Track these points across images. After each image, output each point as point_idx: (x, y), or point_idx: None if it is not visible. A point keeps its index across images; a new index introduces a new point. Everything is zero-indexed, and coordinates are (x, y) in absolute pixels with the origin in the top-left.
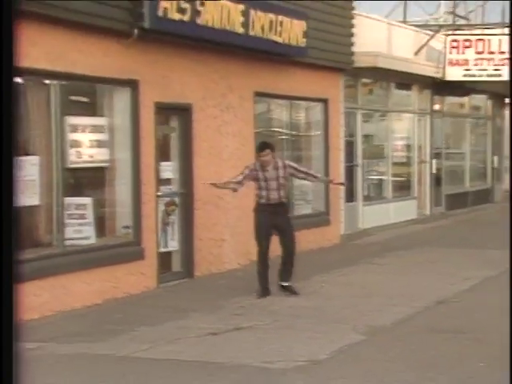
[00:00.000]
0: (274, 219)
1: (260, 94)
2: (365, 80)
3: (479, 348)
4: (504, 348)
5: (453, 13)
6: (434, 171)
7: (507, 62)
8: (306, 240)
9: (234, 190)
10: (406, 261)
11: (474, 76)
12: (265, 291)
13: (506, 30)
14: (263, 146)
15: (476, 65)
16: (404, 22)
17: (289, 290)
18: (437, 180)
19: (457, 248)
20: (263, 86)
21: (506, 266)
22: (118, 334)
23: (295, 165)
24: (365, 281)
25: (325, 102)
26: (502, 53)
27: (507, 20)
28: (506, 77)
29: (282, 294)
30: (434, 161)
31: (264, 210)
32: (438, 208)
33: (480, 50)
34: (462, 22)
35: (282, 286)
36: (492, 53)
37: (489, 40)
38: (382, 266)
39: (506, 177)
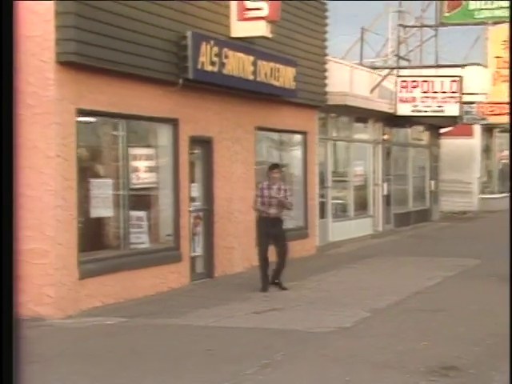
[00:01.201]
0: (271, 230)
1: (259, 128)
2: (332, 115)
3: (455, 320)
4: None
5: (397, 55)
6: (385, 193)
7: (448, 99)
8: (291, 250)
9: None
10: (376, 266)
11: (420, 111)
12: (265, 286)
13: (441, 71)
14: (275, 166)
15: (422, 102)
16: (360, 63)
17: (278, 286)
18: (387, 201)
19: (412, 257)
20: (262, 122)
21: (458, 269)
22: (184, 314)
23: (288, 192)
24: (352, 279)
25: (305, 134)
26: (444, 92)
27: (440, 61)
28: (447, 113)
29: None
30: (385, 184)
31: (264, 222)
32: (388, 225)
33: (425, 89)
34: (406, 62)
35: (275, 282)
36: (435, 92)
37: (432, 81)
38: (359, 270)
39: (442, 199)
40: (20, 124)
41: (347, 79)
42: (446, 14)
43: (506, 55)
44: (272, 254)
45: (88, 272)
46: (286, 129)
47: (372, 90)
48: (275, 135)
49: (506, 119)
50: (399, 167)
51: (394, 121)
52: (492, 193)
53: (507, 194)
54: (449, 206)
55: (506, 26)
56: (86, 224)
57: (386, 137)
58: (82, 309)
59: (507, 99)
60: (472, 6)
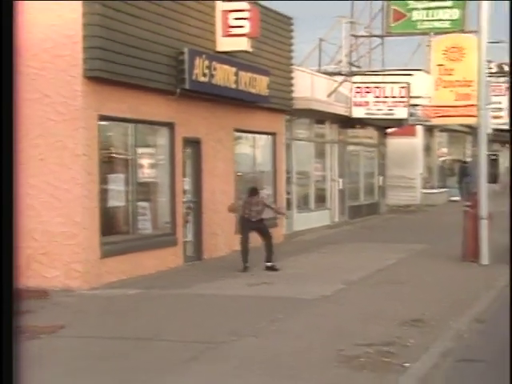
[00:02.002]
0: (251, 225)
1: (237, 130)
2: (295, 117)
3: (415, 288)
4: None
5: (349, 63)
6: (341, 188)
7: (398, 103)
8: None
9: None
10: (340, 250)
11: (373, 114)
12: (245, 267)
13: (390, 78)
14: (253, 191)
15: (375, 106)
16: (319, 70)
17: (272, 268)
18: (342, 195)
19: (369, 243)
20: (239, 124)
21: (409, 252)
22: (190, 286)
23: (267, 202)
24: (323, 261)
25: (274, 135)
26: (394, 97)
27: (386, 66)
28: (396, 116)
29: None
30: (340, 180)
31: (247, 222)
32: (343, 217)
33: (377, 94)
34: (357, 68)
35: (267, 266)
36: (386, 97)
37: (383, 87)
38: (326, 253)
39: (389, 193)
40: (47, 128)
41: (309, 85)
42: (392, 25)
43: (447, 63)
44: (255, 240)
45: (107, 252)
46: (258, 130)
47: (329, 95)
48: (250, 136)
49: (447, 121)
50: (352, 164)
51: (348, 122)
52: (432, 188)
53: (445, 189)
54: (394, 199)
55: (446, 36)
56: (105, 212)
57: (341, 137)
58: (103, 282)
59: (448, 103)
60: (415, 17)
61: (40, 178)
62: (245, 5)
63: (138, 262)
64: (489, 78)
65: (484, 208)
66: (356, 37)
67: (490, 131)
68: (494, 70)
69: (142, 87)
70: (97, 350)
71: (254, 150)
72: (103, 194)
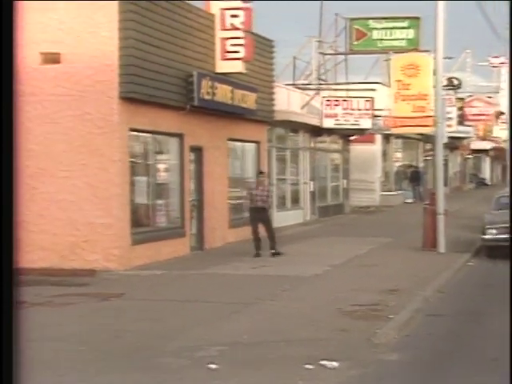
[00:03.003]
0: (258, 216)
1: (230, 139)
2: (273, 127)
3: (388, 269)
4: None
5: (318, 78)
6: (312, 190)
7: (363, 115)
8: (250, 232)
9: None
10: (319, 243)
11: (341, 125)
12: (258, 254)
13: (355, 93)
14: (261, 172)
15: (343, 117)
16: (293, 84)
17: (277, 254)
18: (313, 196)
19: (341, 237)
20: (231, 134)
21: (377, 244)
22: (205, 268)
23: (269, 192)
24: (306, 250)
25: (258, 143)
26: (359, 109)
27: (351, 78)
28: (362, 126)
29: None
30: (311, 183)
31: (253, 210)
32: (314, 216)
33: (345, 107)
34: (324, 81)
35: (272, 253)
36: (353, 109)
37: (351, 100)
38: (307, 245)
39: (351, 195)
40: (89, 139)
41: (285, 99)
42: (355, 43)
43: (404, 79)
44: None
45: (136, 240)
46: (246, 139)
47: (302, 107)
48: (239, 144)
49: (405, 130)
50: (321, 169)
51: (317, 132)
52: (389, 190)
53: (401, 192)
54: (356, 201)
55: (403, 55)
56: (133, 207)
57: (311, 144)
58: (133, 265)
59: (406, 115)
60: (375, 36)
61: (83, 180)
62: (240, 33)
63: (157, 249)
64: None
65: (441, 205)
66: (323, 54)
67: (445, 140)
68: (444, 84)
69: (159, 104)
70: (159, 307)
71: (243, 156)
72: (132, 192)
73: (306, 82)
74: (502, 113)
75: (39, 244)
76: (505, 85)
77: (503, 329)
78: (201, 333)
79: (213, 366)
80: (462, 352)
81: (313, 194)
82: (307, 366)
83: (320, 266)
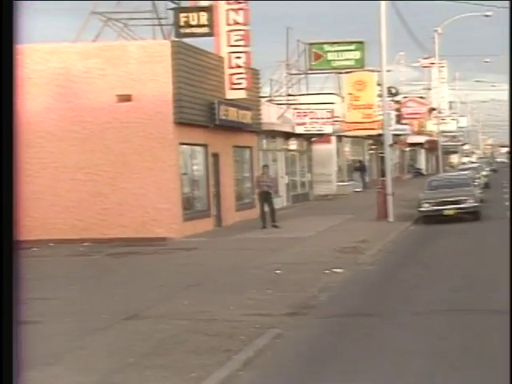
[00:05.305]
0: (264, 198)
1: (234, 146)
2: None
3: (356, 231)
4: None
5: (288, 94)
6: (286, 182)
7: (326, 122)
8: (249, 214)
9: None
10: (300, 220)
11: (309, 131)
12: (264, 226)
13: (318, 102)
14: (265, 165)
15: (310, 124)
16: (270, 99)
17: (276, 227)
18: (287, 187)
19: (315, 216)
20: (234, 142)
21: (343, 218)
22: (233, 236)
23: (272, 181)
24: (297, 224)
25: (251, 148)
26: (323, 118)
27: (311, 90)
28: (325, 131)
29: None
30: (286, 176)
31: (261, 193)
32: (288, 202)
33: (312, 116)
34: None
35: (273, 225)
36: (318, 118)
37: (316, 111)
38: (293, 221)
39: (314, 186)
40: (153, 151)
41: (266, 112)
42: (313, 63)
43: (355, 92)
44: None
45: (185, 219)
46: (243, 145)
47: (278, 118)
48: (239, 149)
49: (357, 133)
50: (292, 165)
51: (289, 136)
52: (343, 181)
53: (351, 182)
54: (317, 190)
55: (353, 73)
56: (183, 196)
57: (284, 146)
58: (185, 235)
59: (357, 120)
60: (330, 57)
61: (150, 179)
62: (242, 70)
63: (197, 225)
64: (380, 98)
65: (389, 188)
66: (290, 74)
67: (391, 142)
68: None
69: (194, 124)
70: (227, 252)
71: (242, 158)
72: (182, 187)
73: (278, 94)
74: (434, 109)
75: (119, 223)
76: (436, 83)
77: (426, 252)
78: (264, 259)
79: (278, 271)
80: (409, 262)
81: (287, 185)
82: (325, 271)
83: (310, 231)
